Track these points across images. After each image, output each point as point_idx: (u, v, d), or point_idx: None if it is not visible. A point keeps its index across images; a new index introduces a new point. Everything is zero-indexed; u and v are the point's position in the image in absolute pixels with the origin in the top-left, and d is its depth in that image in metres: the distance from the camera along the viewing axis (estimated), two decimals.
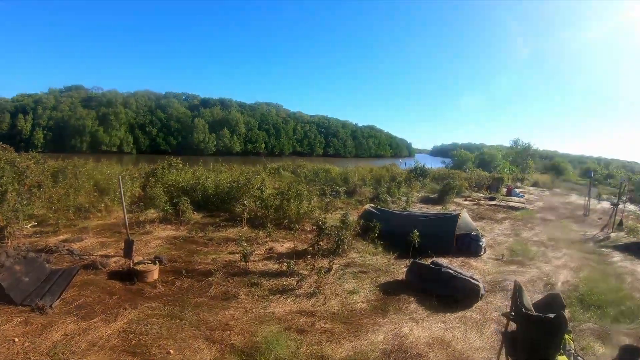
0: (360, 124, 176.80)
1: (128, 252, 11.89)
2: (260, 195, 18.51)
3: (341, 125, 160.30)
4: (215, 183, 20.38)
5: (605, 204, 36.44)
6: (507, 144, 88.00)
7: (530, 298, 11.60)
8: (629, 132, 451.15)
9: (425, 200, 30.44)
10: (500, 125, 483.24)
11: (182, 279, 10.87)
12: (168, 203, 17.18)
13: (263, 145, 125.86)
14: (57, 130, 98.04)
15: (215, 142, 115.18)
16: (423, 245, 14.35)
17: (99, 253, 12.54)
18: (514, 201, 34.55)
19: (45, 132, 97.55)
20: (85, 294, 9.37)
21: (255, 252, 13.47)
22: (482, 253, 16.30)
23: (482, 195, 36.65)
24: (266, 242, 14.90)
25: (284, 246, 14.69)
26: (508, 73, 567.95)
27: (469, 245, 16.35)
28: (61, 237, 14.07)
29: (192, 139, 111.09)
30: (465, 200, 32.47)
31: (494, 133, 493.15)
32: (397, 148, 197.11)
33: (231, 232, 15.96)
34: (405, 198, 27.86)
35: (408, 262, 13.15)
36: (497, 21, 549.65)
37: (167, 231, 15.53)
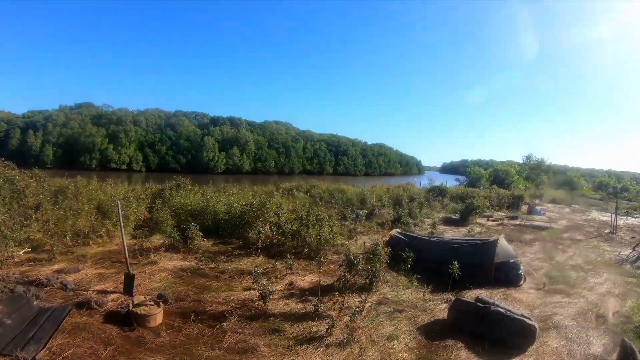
0: (369, 142, 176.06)
1: (128, 287, 10.35)
2: (277, 221, 16.79)
3: (351, 144, 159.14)
4: (227, 207, 18.61)
5: (631, 220, 34.68)
6: (517, 159, 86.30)
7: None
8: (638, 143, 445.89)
9: (447, 222, 28.62)
10: (508, 140, 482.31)
11: (191, 324, 9.09)
12: (175, 229, 15.46)
13: (273, 164, 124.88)
14: (67, 147, 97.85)
15: (224, 161, 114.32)
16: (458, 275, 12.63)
17: (96, 288, 10.84)
18: (537, 220, 32.83)
19: (55, 148, 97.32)
20: (75, 342, 7.74)
21: (275, 288, 11.65)
22: (521, 282, 14.66)
23: (503, 214, 34.87)
24: (285, 275, 13.07)
25: (305, 280, 12.88)
26: (514, 89, 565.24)
27: (507, 274, 14.59)
28: (56, 266, 12.43)
29: (202, 158, 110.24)
30: (488, 220, 30.74)
31: (502, 149, 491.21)
32: (407, 166, 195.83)
33: (245, 263, 14.15)
34: (429, 220, 25.96)
35: (446, 296, 12.17)
36: (501, 31, 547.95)
37: (174, 261, 13.78)
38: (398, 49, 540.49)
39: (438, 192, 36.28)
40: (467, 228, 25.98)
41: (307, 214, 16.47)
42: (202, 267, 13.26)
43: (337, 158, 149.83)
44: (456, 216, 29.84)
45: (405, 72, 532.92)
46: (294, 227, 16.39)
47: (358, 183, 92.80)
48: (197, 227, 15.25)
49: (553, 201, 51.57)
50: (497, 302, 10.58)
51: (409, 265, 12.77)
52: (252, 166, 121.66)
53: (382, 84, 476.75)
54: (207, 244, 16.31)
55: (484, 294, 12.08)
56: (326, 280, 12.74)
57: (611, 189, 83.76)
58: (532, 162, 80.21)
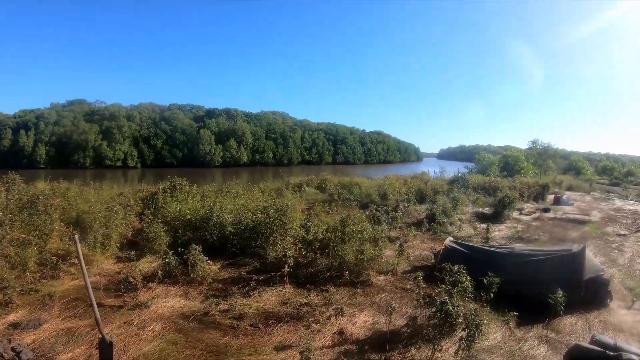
0: (367, 130, 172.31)
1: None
2: (306, 237, 12.96)
3: (349, 132, 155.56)
4: (235, 215, 14.92)
5: None
6: (515, 144, 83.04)
7: None
8: (635, 126, 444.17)
9: (480, 217, 25.16)
10: (505, 125, 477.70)
11: None
12: (171, 252, 11.54)
13: (271, 155, 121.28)
14: (60, 146, 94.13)
15: (222, 154, 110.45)
16: (534, 294, 10.65)
17: (61, 358, 7.12)
18: (569, 211, 29.42)
19: (47, 147, 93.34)
20: None
21: (319, 344, 7.94)
22: (609, 300, 11.58)
23: (533, 206, 31.21)
24: (329, 317, 9.22)
25: (357, 323, 9.08)
26: (510, 74, 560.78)
27: (595, 293, 11.47)
28: (11, 316, 8.77)
29: (198, 151, 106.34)
30: (521, 214, 27.17)
31: (499, 134, 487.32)
32: (406, 153, 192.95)
33: (269, 298, 10.36)
34: (457, 216, 22.25)
35: (539, 331, 9.56)
36: (498, 22, 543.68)
37: (172, 300, 9.99)
38: (394, 36, 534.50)
39: (461, 184, 32.49)
40: (506, 225, 23.12)
41: (343, 224, 12.57)
42: (211, 309, 9.39)
43: (336, 147, 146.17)
44: (488, 211, 26.22)
45: (402, 59, 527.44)
46: (327, 241, 12.68)
47: (358, 172, 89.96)
48: (199, 247, 11.40)
49: (570, 188, 48.14)
50: (619, 344, 7.95)
51: (491, 294, 9.19)
52: (250, 158, 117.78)
53: (378, 71, 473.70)
54: (213, 268, 12.57)
55: (580, 323, 10.09)
56: (383, 320, 9.08)
57: (616, 174, 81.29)
58: (538, 148, 77.21)
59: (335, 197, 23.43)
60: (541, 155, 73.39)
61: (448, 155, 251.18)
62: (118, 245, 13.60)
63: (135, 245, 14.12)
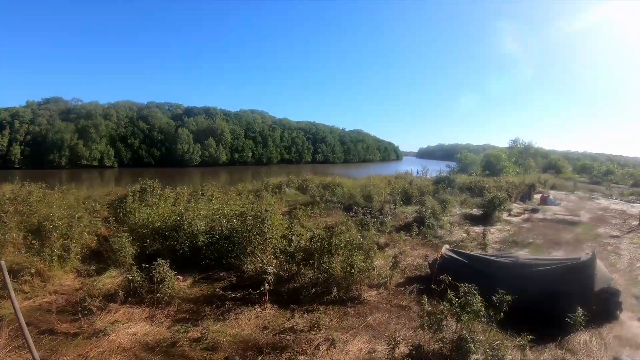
0: (347, 129, 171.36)
1: None
2: (287, 248, 11.38)
3: (329, 131, 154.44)
4: (209, 222, 13.50)
5: None
6: (494, 142, 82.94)
7: None
8: (611, 125, 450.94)
9: (468, 219, 24.13)
10: (483, 125, 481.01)
11: None
12: (135, 268, 10.04)
13: (250, 154, 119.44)
14: (35, 145, 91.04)
15: (200, 153, 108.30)
16: (540, 308, 9.77)
17: None
18: (562, 213, 28.58)
19: (22, 147, 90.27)
20: None
21: None
22: (619, 312, 10.55)
23: (520, 206, 30.28)
24: (318, 345, 7.83)
25: (350, 353, 7.62)
26: (488, 74, 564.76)
27: (605, 304, 10.35)
28: None
29: (176, 150, 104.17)
30: (510, 215, 26.14)
31: (477, 133, 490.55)
32: (385, 152, 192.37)
33: (247, 322, 8.85)
34: (447, 218, 21.11)
35: (554, 351, 8.50)
36: (478, 19, 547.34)
37: (135, 325, 8.48)
38: (373, 35, 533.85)
39: (447, 184, 31.44)
40: (497, 227, 22.17)
41: (330, 233, 11.19)
42: (179, 338, 7.94)
43: (316, 146, 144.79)
44: (477, 212, 25.21)
45: (381, 58, 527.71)
46: (311, 251, 11.29)
47: (338, 171, 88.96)
48: (167, 262, 9.92)
49: (553, 187, 47.57)
50: None
51: (502, 312, 7.99)
52: (229, 157, 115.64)
53: (358, 70, 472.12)
54: (184, 283, 11.07)
55: (594, 340, 9.03)
56: (380, 348, 7.77)
57: (596, 172, 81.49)
58: (519, 146, 77.12)
59: (318, 199, 22.16)
60: (522, 154, 73.41)
61: (427, 154, 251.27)
62: (80, 257, 12.03)
63: (100, 257, 12.58)
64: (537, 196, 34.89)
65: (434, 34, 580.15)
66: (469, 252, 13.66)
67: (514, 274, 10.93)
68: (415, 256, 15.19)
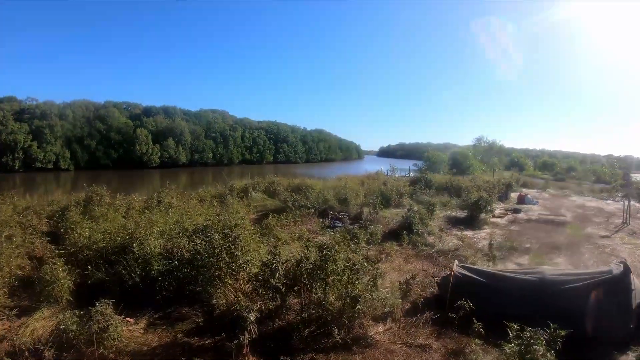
0: (308, 128, 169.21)
1: None
2: (271, 280, 8.42)
3: (290, 130, 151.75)
4: (165, 243, 10.67)
5: (620, 205, 30.00)
6: (454, 140, 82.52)
7: None
8: (566, 122, 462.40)
9: (453, 222, 22.29)
10: (442, 123, 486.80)
11: None
12: (70, 312, 7.22)
13: (211, 155, 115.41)
14: None
15: (159, 154, 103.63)
16: (574, 330, 7.60)
17: None
18: (545, 213, 27.28)
19: None
20: None
21: None
22: None
23: (500, 206, 28.62)
24: None
25: None
26: (447, 73, 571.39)
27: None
28: None
29: (135, 151, 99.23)
30: (494, 216, 24.40)
31: (436, 131, 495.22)
32: (347, 151, 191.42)
33: None
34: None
35: None
36: (439, 20, 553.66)
37: None
38: (333, 33, 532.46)
39: (424, 184, 29.44)
40: (486, 231, 20.46)
41: (324, 257, 8.57)
42: None
43: (277, 146, 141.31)
44: (461, 214, 23.37)
45: (341, 56, 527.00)
46: (299, 277, 8.70)
47: (301, 171, 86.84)
48: (112, 302, 7.17)
49: (524, 185, 46.59)
50: None
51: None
52: (189, 158, 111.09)
53: (318, 69, 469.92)
54: (135, 328, 8.32)
55: None
56: None
57: (558, 169, 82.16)
58: (483, 144, 76.70)
59: (290, 205, 19.64)
60: (487, 153, 73.04)
61: (388, 153, 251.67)
62: (7, 289, 9.14)
63: (34, 287, 9.69)
64: (514, 195, 33.61)
65: (395, 32, 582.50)
66: (484, 268, 11.59)
67: (545, 293, 9.21)
68: (412, 270, 12.94)
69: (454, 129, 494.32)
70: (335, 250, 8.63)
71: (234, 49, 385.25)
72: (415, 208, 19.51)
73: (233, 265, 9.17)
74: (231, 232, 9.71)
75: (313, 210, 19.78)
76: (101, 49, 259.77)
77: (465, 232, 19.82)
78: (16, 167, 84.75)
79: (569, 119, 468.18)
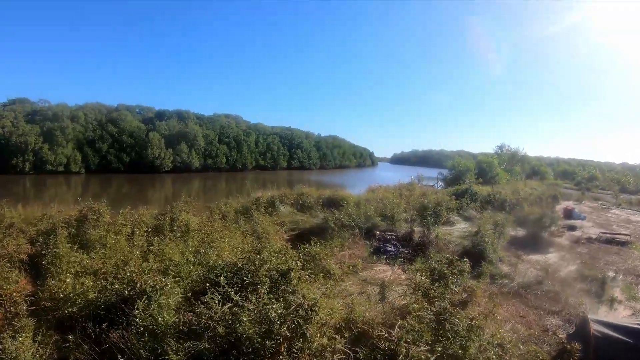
0: (322, 134, 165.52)
1: None
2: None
3: (304, 136, 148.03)
4: (183, 299, 7.07)
5: None
6: (468, 148, 79.34)
7: None
8: (579, 129, 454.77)
9: (513, 242, 18.94)
10: (454, 130, 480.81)
11: None
12: None
13: (224, 160, 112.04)
14: None
15: (172, 158, 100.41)
16: None
17: None
18: (605, 230, 24.03)
19: None
20: None
21: None
22: None
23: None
24: None
25: None
26: (459, 79, 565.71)
27: None
28: None
29: (147, 156, 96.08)
30: (552, 235, 21.04)
31: (449, 138, 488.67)
32: (361, 157, 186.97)
33: None
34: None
35: None
36: (453, 23, 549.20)
37: None
38: (346, 40, 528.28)
39: (470, 197, 25.84)
40: (554, 255, 17.65)
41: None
42: None
43: (291, 152, 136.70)
44: (520, 232, 20.00)
45: (354, 64, 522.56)
46: None
47: (315, 177, 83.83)
48: None
49: (555, 197, 43.19)
50: None
51: None
52: (202, 163, 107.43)
53: (331, 75, 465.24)
54: None
55: None
56: None
57: (579, 178, 78.74)
58: (505, 152, 73.53)
59: (331, 224, 16.17)
60: (510, 161, 70.03)
61: (401, 160, 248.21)
62: None
63: None
64: (559, 208, 30.24)
65: (410, 40, 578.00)
66: (630, 323, 8.26)
67: None
68: (509, 319, 9.67)
69: (465, 136, 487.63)
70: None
71: (248, 53, 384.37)
72: (486, 228, 16.11)
73: (296, 345, 5.73)
74: (283, 278, 6.46)
75: (357, 230, 16.42)
76: (115, 52, 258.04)
77: (531, 256, 16.68)
78: (26, 169, 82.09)
79: (578, 126, 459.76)
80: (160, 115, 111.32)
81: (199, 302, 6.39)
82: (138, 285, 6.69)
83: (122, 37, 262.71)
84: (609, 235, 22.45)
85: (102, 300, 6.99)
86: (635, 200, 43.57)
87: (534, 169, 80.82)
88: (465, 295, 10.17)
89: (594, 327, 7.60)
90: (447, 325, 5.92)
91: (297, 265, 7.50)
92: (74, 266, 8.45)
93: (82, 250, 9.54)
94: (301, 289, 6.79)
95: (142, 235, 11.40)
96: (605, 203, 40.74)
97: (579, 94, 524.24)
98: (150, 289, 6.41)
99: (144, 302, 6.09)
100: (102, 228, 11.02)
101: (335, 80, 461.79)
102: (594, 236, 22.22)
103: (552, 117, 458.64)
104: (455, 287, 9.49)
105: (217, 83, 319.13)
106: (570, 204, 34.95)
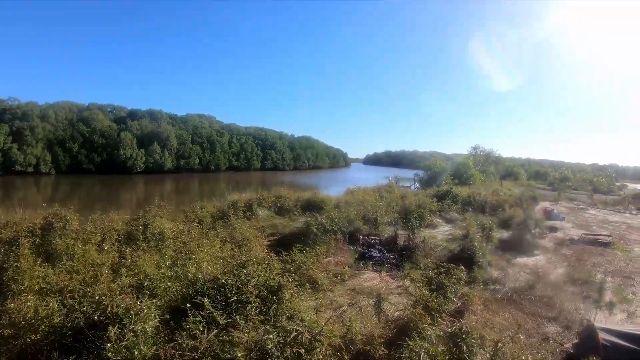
0: (296, 135, 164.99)
1: None
2: None
3: (278, 137, 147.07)
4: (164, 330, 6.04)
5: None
6: (439, 149, 79.62)
7: None
8: (549, 131, 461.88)
9: (497, 246, 18.45)
10: (426, 131, 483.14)
11: None
12: None
13: (197, 161, 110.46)
14: None
15: (144, 159, 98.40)
16: None
17: None
18: (584, 232, 23.74)
19: None
20: None
21: None
22: None
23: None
24: None
25: None
26: (429, 80, 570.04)
27: None
28: None
29: (119, 156, 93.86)
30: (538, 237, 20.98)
31: (419, 139, 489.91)
32: (334, 158, 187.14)
33: None
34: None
35: None
36: (425, 25, 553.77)
37: None
38: (318, 39, 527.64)
39: (451, 199, 25.48)
40: (543, 258, 17.36)
41: None
42: None
43: (265, 152, 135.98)
44: (504, 235, 19.67)
45: (327, 63, 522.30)
46: None
47: (289, 178, 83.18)
48: None
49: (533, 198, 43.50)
50: None
51: None
52: (175, 164, 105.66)
53: (303, 75, 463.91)
54: None
55: None
56: None
57: (551, 179, 79.93)
58: (480, 154, 73.93)
59: (314, 229, 15.47)
60: (484, 162, 70.37)
61: (375, 160, 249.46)
62: None
63: None
64: (538, 209, 30.24)
65: (379, 38, 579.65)
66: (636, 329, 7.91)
67: None
68: (508, 327, 9.24)
69: (437, 137, 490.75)
70: None
71: (220, 53, 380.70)
72: (472, 231, 15.70)
73: None
74: (272, 295, 5.81)
75: (340, 235, 15.79)
76: (87, 51, 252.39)
77: (518, 259, 16.43)
78: None
79: (549, 127, 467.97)
80: (133, 114, 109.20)
81: (179, 327, 5.64)
82: (109, 309, 5.85)
83: (93, 36, 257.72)
84: (590, 236, 22.47)
85: (68, 325, 6.11)
86: (610, 201, 44.24)
87: (508, 170, 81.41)
88: (460, 304, 9.70)
89: (602, 336, 7.21)
90: (464, 347, 5.35)
91: (289, 281, 6.86)
92: (37, 282, 7.60)
93: (47, 264, 8.68)
94: (298, 312, 6.13)
95: (114, 245, 10.55)
96: (581, 203, 41.16)
97: (548, 95, 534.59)
98: (123, 313, 5.64)
99: (116, 329, 5.30)
100: (70, 237, 10.15)
101: (309, 81, 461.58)
102: (575, 237, 22.23)
103: (523, 118, 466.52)
104: (454, 297, 8.97)
105: (190, 82, 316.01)
106: (547, 204, 35.12)
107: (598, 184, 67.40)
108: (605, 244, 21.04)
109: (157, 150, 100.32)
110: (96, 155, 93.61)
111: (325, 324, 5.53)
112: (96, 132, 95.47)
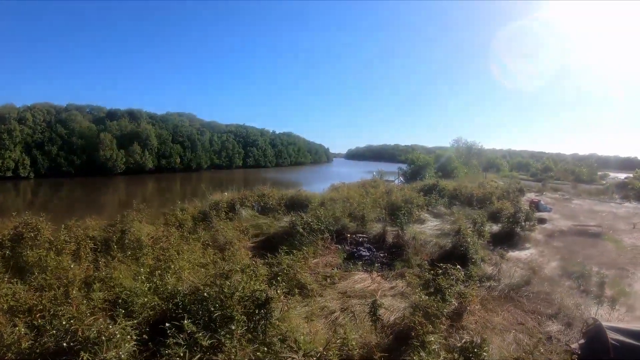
0: (277, 131, 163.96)
1: None
2: None
3: (259, 134, 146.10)
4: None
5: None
6: (420, 142, 79.79)
7: None
8: (529, 122, 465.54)
9: (488, 240, 18.09)
10: (407, 125, 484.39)
11: None
12: None
13: (178, 160, 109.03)
14: None
15: (124, 159, 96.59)
16: None
17: None
18: (573, 223, 24.04)
19: None
20: None
21: None
22: None
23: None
24: None
25: None
26: (410, 74, 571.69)
27: None
28: None
29: (99, 157, 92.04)
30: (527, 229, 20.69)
31: (400, 132, 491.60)
32: (316, 154, 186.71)
33: None
34: None
35: None
36: (405, 21, 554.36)
37: None
38: (298, 36, 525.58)
39: (438, 193, 25.16)
40: (532, 251, 17.33)
41: None
42: None
43: (246, 150, 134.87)
44: (494, 228, 19.33)
45: (306, 58, 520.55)
46: None
47: (272, 175, 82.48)
48: None
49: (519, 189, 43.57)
50: None
51: None
52: (156, 163, 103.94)
53: (283, 70, 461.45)
54: None
55: None
56: None
57: (534, 169, 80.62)
58: (462, 146, 74.07)
59: (300, 229, 14.89)
60: (467, 154, 70.58)
61: (357, 155, 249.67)
62: None
63: None
64: (524, 200, 30.08)
65: (360, 33, 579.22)
66: None
67: None
68: (508, 327, 8.81)
69: (418, 130, 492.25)
70: None
71: (200, 51, 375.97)
72: (462, 228, 15.22)
73: None
74: (260, 308, 5.26)
75: (327, 234, 15.26)
76: (65, 50, 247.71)
77: (510, 253, 16.08)
78: None
79: (530, 118, 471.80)
80: (112, 115, 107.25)
81: (158, 351, 5.04)
82: (79, 334, 5.25)
83: (70, 34, 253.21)
84: (580, 227, 22.35)
85: (37, 350, 5.49)
86: (594, 190, 44.52)
87: (490, 162, 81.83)
88: (457, 304, 9.24)
89: (611, 336, 6.81)
90: None
91: (277, 292, 6.30)
92: (6, 300, 6.93)
93: (16, 279, 8.00)
94: (291, 333, 5.57)
95: (89, 254, 9.89)
96: (566, 194, 41.32)
97: (530, 86, 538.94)
98: (95, 337, 5.02)
99: (88, 356, 4.68)
100: (42, 247, 9.47)
101: (289, 77, 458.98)
102: (565, 229, 22.11)
103: (502, 110, 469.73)
104: (452, 299, 8.50)
105: (169, 81, 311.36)
106: (533, 195, 35.08)
107: (580, 174, 67.86)
108: (596, 235, 20.93)
109: (137, 151, 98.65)
110: (76, 158, 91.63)
111: (324, 349, 4.98)
112: (75, 133, 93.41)
